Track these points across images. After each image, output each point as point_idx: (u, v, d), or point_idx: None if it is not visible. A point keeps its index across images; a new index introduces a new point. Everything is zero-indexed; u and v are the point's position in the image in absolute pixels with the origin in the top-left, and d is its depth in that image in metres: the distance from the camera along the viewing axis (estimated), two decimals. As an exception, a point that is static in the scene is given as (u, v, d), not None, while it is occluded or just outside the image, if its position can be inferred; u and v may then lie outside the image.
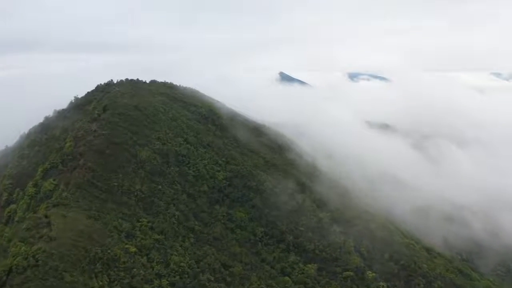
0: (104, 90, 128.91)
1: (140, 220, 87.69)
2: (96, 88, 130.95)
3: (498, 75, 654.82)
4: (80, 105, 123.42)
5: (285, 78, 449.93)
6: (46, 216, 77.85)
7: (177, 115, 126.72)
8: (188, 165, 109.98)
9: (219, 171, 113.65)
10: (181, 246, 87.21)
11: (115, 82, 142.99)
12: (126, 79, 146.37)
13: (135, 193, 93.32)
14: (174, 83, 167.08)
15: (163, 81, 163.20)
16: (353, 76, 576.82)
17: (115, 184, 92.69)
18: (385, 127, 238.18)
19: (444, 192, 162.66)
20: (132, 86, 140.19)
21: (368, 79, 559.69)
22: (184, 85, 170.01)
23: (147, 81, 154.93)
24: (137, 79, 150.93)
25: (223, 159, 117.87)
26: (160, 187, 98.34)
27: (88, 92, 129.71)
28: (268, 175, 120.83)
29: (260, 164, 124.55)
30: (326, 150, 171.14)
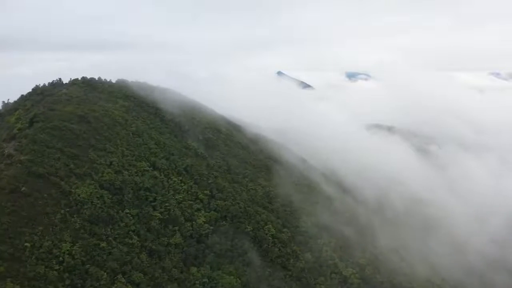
0: (44, 93, 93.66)
1: (62, 309, 52.77)
2: (33, 90, 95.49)
3: (497, 75, 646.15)
4: (4, 115, 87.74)
5: (283, 77, 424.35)
6: None
7: (143, 128, 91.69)
8: (154, 203, 75.15)
9: (199, 210, 79.09)
10: None
11: (66, 81, 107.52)
12: (83, 78, 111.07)
13: (60, 259, 58.29)
14: (158, 83, 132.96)
15: (135, 80, 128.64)
16: (351, 76, 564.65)
17: (28, 244, 57.67)
18: (385, 129, 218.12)
19: (470, 217, 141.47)
20: (88, 87, 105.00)
21: (366, 79, 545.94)
22: (171, 87, 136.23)
23: (113, 81, 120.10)
24: (99, 78, 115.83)
25: (206, 191, 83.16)
26: (104, 244, 63.34)
27: (22, 95, 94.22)
28: (270, 213, 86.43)
29: (258, 196, 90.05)
30: (331, 163, 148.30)
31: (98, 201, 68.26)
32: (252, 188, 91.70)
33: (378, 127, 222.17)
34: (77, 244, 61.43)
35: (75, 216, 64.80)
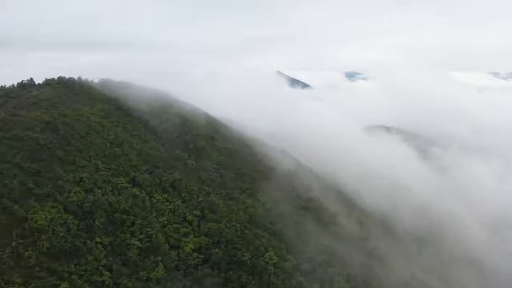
0: (9, 95, 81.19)
1: None
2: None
3: (496, 74, 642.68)
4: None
5: (282, 77, 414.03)
6: None
7: (123, 136, 79.02)
8: (132, 228, 62.57)
9: (187, 235, 66.49)
10: None
11: (40, 81, 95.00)
12: (60, 78, 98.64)
13: (6, 308, 45.80)
14: (150, 84, 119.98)
15: (120, 80, 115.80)
16: (350, 76, 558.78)
17: (-37, 290, 45.16)
18: (386, 130, 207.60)
19: (482, 226, 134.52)
20: (64, 88, 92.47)
21: (365, 79, 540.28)
22: (164, 88, 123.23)
23: (96, 81, 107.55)
24: (78, 77, 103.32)
25: (195, 211, 70.60)
26: (65, 285, 50.72)
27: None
28: (272, 236, 73.92)
29: (258, 215, 77.46)
30: (332, 167, 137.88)
31: (61, 229, 55.58)
32: (250, 206, 79.18)
33: (379, 128, 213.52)
34: (30, 286, 48.89)
35: (30, 249, 52.20)
